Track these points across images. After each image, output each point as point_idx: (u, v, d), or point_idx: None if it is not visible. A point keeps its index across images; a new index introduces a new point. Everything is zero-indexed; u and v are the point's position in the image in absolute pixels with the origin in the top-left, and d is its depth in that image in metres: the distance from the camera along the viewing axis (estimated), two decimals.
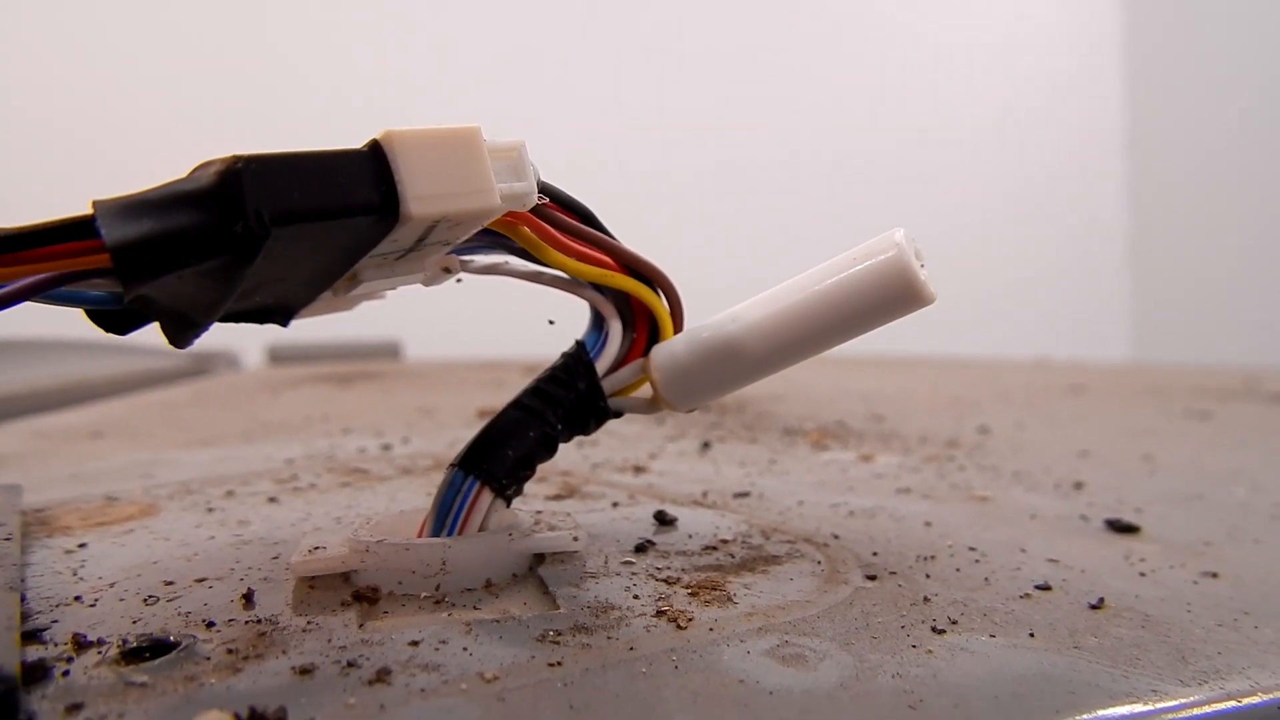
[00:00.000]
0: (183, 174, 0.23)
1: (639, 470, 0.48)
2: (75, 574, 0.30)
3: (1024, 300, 2.52)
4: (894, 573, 0.29)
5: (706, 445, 0.57)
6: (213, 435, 0.69)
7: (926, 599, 0.26)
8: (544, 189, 0.29)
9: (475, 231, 0.29)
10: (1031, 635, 0.24)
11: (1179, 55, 2.71)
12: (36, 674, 0.21)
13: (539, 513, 0.33)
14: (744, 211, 2.29)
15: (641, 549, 0.32)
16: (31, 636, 0.23)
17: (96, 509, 0.40)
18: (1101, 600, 0.26)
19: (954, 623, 0.25)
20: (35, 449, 0.65)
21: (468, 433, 0.66)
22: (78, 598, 0.27)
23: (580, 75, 2.15)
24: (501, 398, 1.00)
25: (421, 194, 0.24)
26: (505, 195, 0.26)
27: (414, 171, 0.24)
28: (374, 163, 0.24)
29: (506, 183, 0.26)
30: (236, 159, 0.22)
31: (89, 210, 0.22)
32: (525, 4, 2.14)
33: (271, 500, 0.41)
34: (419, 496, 0.42)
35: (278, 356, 1.70)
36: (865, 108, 2.46)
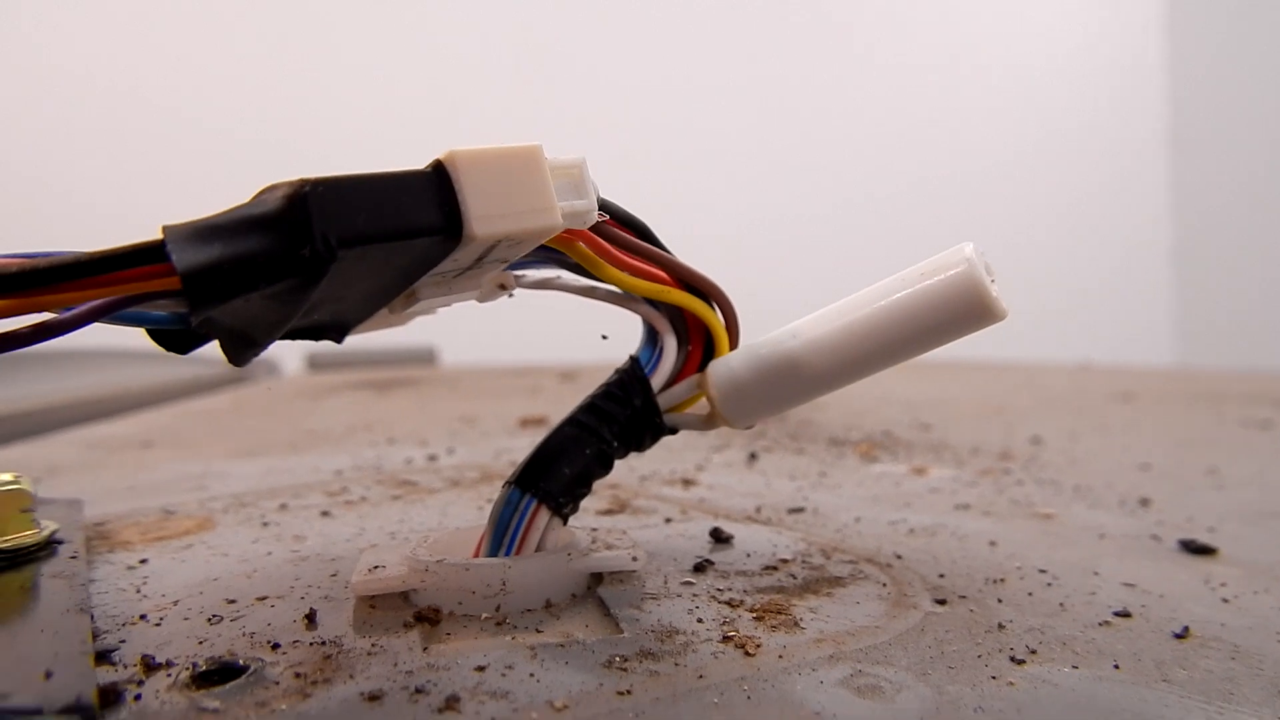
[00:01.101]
0: (247, 198, 0.23)
1: (688, 483, 0.48)
2: (139, 591, 0.30)
3: (1063, 302, 2.47)
4: (964, 597, 0.28)
5: (754, 456, 0.57)
6: (259, 445, 0.69)
7: (1001, 625, 0.26)
8: (603, 205, 0.29)
9: (533, 248, 0.28)
10: (1116, 667, 0.23)
11: (1221, 56, 2.65)
12: (109, 698, 0.21)
13: (594, 530, 0.33)
14: (786, 222, 2.28)
15: (700, 568, 0.31)
16: (102, 658, 0.23)
17: (154, 523, 0.40)
18: (1186, 629, 0.25)
19: (1033, 652, 0.24)
20: (88, 460, 0.66)
21: (511, 443, 0.66)
22: (143, 616, 0.27)
23: (622, 86, 2.16)
24: (540, 405, 1.01)
25: (484, 214, 0.24)
26: (567, 213, 0.26)
27: (477, 191, 0.24)
28: (437, 183, 0.24)
29: (568, 201, 0.26)
30: (304, 182, 0.22)
31: (159, 235, 0.22)
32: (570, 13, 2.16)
33: (324, 514, 0.41)
34: (470, 510, 0.42)
35: (316, 364, 1.72)
36: (910, 117, 2.44)
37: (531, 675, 0.22)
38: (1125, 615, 0.27)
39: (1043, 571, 0.31)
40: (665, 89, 2.19)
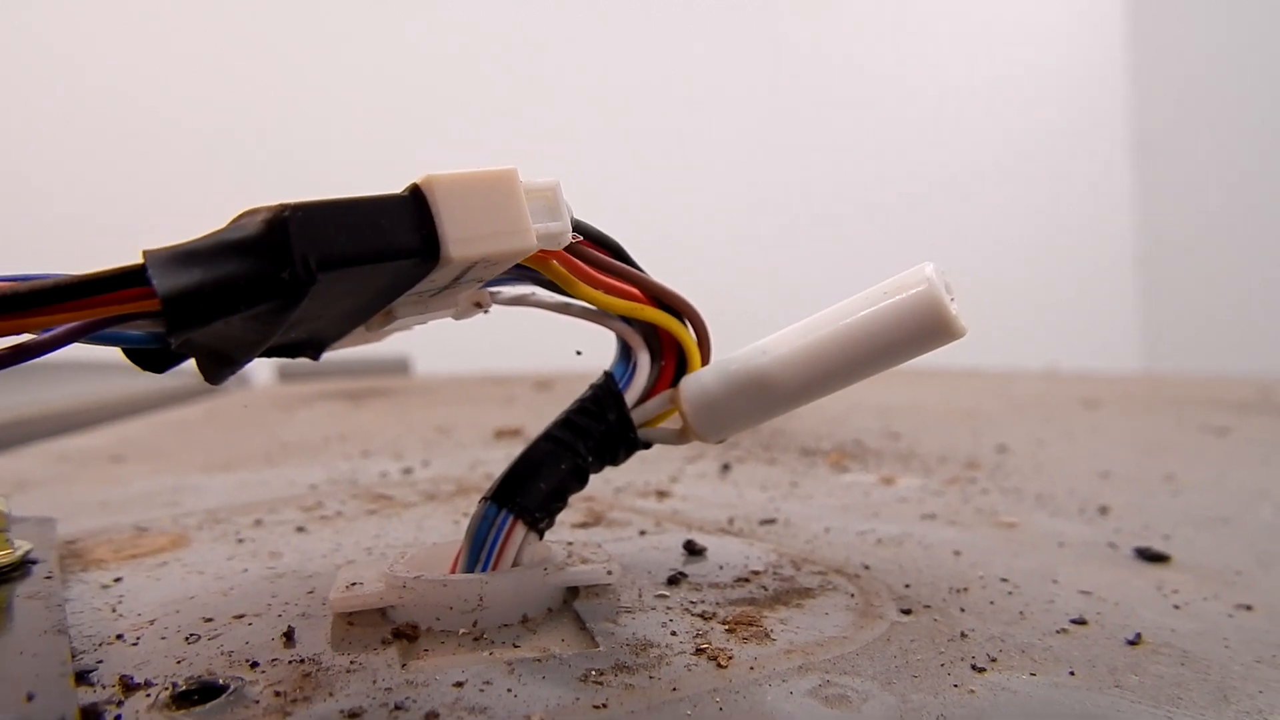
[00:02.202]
0: (224, 222, 0.24)
1: (662, 495, 0.48)
2: (114, 610, 0.30)
3: (1031, 309, 2.52)
4: (928, 606, 0.29)
5: (726, 467, 0.57)
6: (233, 458, 0.69)
7: (963, 634, 0.27)
8: (577, 226, 0.29)
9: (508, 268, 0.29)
10: (1072, 673, 0.24)
11: (1185, 61, 2.71)
12: (90, 719, 0.21)
13: (570, 544, 0.33)
14: (755, 235, 2.29)
15: (674, 581, 0.32)
16: (80, 678, 0.24)
17: (128, 540, 0.40)
18: (1138, 636, 0.26)
19: (993, 660, 0.25)
20: (58, 473, 0.65)
21: (487, 454, 0.66)
22: (120, 636, 0.27)
23: (602, 99, 2.17)
24: (515, 415, 1.01)
25: (461, 236, 0.25)
26: (541, 235, 0.26)
27: (453, 214, 0.25)
28: (414, 207, 0.24)
29: (542, 223, 0.27)
30: (283, 207, 0.22)
31: (139, 260, 0.22)
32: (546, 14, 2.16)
33: (300, 530, 0.41)
34: (446, 524, 0.42)
35: (288, 374, 1.71)
36: (877, 131, 2.47)
37: (509, 690, 0.23)
38: (1081, 623, 0.28)
39: (1004, 580, 0.32)
40: (631, 102, 2.21)
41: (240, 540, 0.40)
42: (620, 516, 0.43)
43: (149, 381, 1.30)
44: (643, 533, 0.39)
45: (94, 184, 1.73)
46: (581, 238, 0.29)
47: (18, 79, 1.72)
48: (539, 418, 0.94)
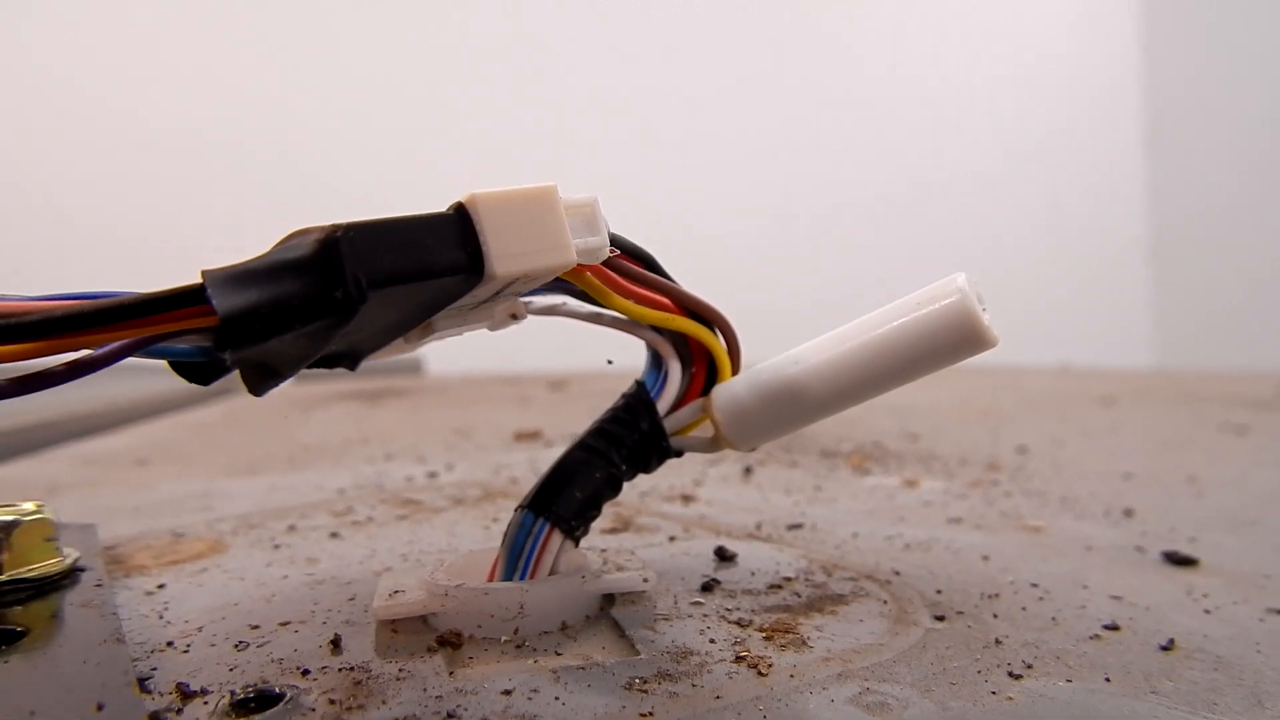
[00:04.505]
0: (274, 242, 0.24)
1: (687, 499, 0.49)
2: (161, 617, 0.31)
3: (1044, 305, 2.51)
4: (961, 612, 0.29)
5: (749, 470, 0.58)
6: (258, 460, 0.70)
7: (998, 641, 0.27)
8: (612, 239, 0.30)
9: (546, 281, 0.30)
10: (1107, 680, 0.24)
11: (1198, 56, 2.69)
12: None
13: (603, 551, 0.34)
14: (765, 234, 2.29)
15: (708, 588, 0.32)
16: (138, 686, 0.24)
17: (166, 546, 0.41)
18: (1171, 641, 0.27)
19: (1029, 666, 0.25)
20: (85, 477, 0.66)
21: (509, 458, 0.67)
22: (170, 643, 0.28)
23: (614, 95, 2.17)
24: (532, 417, 1.01)
25: (505, 253, 0.25)
26: (581, 250, 0.27)
27: (497, 232, 0.25)
28: (459, 225, 0.25)
29: (582, 238, 0.27)
30: (335, 227, 0.23)
31: (199, 279, 0.23)
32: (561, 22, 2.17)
33: (334, 535, 0.42)
34: (476, 529, 0.43)
35: (303, 373, 1.72)
36: (890, 126, 2.46)
37: (557, 699, 0.23)
38: (1114, 628, 0.28)
39: (1034, 585, 0.32)
40: (643, 105, 2.21)
41: (276, 546, 0.40)
42: (648, 522, 0.43)
43: (168, 383, 1.31)
44: (672, 538, 0.40)
45: (113, 196, 1.75)
46: (618, 251, 0.30)
47: (42, 96, 1.74)
48: (556, 419, 0.95)
